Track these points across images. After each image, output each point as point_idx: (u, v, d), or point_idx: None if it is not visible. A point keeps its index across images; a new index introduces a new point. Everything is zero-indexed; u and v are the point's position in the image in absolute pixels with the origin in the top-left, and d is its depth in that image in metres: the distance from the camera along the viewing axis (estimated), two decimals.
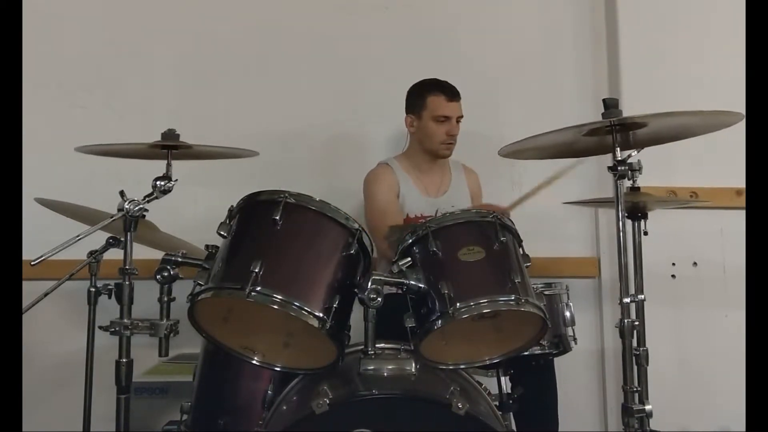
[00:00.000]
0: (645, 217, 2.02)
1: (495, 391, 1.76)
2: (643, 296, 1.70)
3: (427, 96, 2.28)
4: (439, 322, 1.37)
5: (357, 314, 1.47)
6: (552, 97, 2.76)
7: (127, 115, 2.68)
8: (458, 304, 1.37)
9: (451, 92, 2.27)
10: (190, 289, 1.42)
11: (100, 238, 1.91)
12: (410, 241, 1.52)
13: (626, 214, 1.85)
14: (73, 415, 2.05)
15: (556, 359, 2.00)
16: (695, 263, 2.63)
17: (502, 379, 1.80)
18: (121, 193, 1.61)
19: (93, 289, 2.00)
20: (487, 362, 1.55)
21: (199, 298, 1.39)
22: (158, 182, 1.64)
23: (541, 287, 1.84)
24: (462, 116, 2.30)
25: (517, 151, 1.79)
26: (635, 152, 1.62)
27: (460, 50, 2.75)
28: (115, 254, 1.86)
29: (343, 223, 1.46)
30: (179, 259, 1.53)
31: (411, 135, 2.37)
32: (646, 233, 2.02)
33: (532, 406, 1.92)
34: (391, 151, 2.48)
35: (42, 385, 2.51)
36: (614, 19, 2.71)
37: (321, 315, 1.36)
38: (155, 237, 1.98)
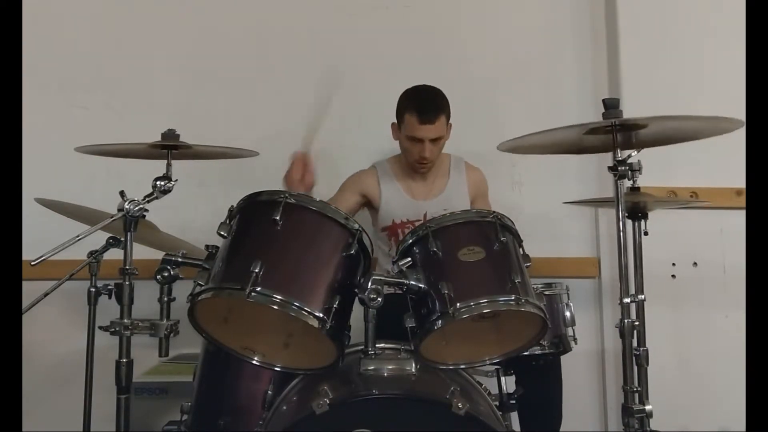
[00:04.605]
0: (645, 217, 2.01)
1: (495, 391, 1.76)
2: (643, 296, 1.69)
3: (405, 112, 2.14)
4: (439, 322, 1.38)
5: (357, 314, 1.48)
6: (552, 97, 2.75)
7: (127, 115, 2.68)
8: (458, 305, 1.37)
9: (425, 114, 2.09)
10: (190, 289, 1.42)
11: (100, 238, 1.92)
12: (410, 241, 1.52)
13: (626, 214, 1.85)
14: (73, 415, 2.05)
15: None
16: (695, 263, 2.62)
17: (502, 379, 1.80)
18: (121, 193, 1.60)
19: (93, 289, 2.00)
20: (488, 362, 1.55)
21: (200, 298, 1.39)
22: (158, 182, 1.64)
23: (541, 287, 1.85)
24: (440, 137, 2.14)
25: (517, 147, 1.77)
26: (635, 152, 1.62)
27: (460, 50, 2.74)
28: (115, 254, 1.86)
29: (343, 223, 1.46)
30: (179, 259, 1.53)
31: None
32: (646, 233, 2.01)
33: (536, 403, 1.91)
34: (392, 152, 2.48)
35: (42, 385, 2.51)
36: (614, 19, 2.70)
37: (321, 315, 1.36)
38: (155, 237, 1.98)
